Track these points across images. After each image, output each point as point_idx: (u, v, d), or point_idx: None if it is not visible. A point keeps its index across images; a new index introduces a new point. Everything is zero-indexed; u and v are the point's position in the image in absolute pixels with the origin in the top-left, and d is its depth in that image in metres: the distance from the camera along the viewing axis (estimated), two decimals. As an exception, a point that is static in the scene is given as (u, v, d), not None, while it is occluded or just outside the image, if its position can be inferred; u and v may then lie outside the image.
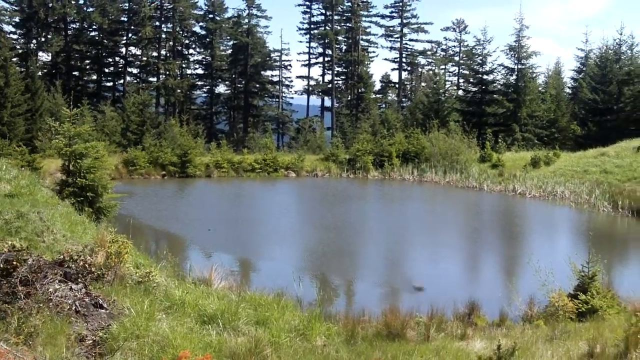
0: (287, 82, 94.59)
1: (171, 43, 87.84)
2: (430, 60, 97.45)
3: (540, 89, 79.42)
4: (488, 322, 15.66)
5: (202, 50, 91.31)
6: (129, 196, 34.81)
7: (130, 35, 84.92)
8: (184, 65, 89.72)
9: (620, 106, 66.27)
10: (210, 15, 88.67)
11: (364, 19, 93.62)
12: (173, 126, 59.15)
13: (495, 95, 75.78)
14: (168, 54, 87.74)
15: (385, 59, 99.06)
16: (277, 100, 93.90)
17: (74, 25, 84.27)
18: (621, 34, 71.13)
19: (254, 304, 12.46)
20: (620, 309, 16.31)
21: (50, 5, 78.30)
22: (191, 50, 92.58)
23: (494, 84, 77.47)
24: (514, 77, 74.03)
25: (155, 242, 26.86)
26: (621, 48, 71.12)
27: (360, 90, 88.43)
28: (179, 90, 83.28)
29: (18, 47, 78.06)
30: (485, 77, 77.50)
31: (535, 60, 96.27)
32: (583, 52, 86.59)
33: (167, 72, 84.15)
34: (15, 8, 78.85)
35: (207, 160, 52.79)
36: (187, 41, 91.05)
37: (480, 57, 78.44)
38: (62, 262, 10.69)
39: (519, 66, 73.76)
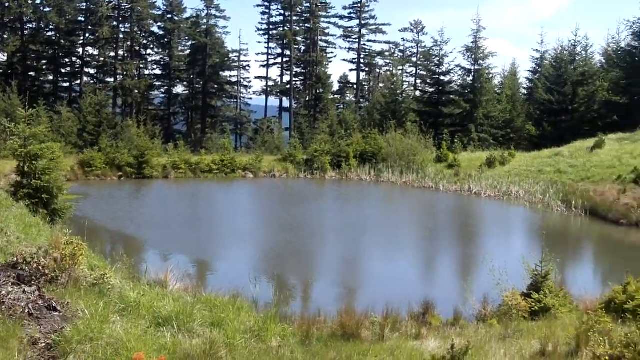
0: (245, 83, 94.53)
1: (129, 43, 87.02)
2: (388, 61, 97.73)
3: (496, 89, 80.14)
4: (442, 322, 15.67)
5: (160, 50, 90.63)
6: (85, 198, 34.55)
7: (87, 35, 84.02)
8: (141, 66, 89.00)
9: (575, 107, 67.07)
10: (169, 16, 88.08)
11: (322, 19, 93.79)
12: (130, 127, 58.68)
13: (452, 96, 76.34)
14: (126, 54, 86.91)
15: (344, 60, 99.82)
16: (235, 100, 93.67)
17: (31, 25, 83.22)
18: (576, 36, 71.94)
19: (209, 306, 12.46)
20: (573, 308, 16.48)
21: (7, 4, 77.23)
22: (149, 51, 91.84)
23: (451, 85, 78.01)
24: (471, 77, 74.58)
25: (111, 243, 26.72)
26: (576, 49, 71.83)
27: (318, 91, 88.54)
28: (136, 91, 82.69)
29: (-27, 47, 77.24)
30: (442, 77, 77.96)
31: (491, 61, 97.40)
32: (538, 53, 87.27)
33: (125, 73, 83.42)
34: (-30, 8, 77.87)
35: (164, 161, 52.52)
36: (145, 41, 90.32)
37: (438, 58, 78.78)
38: (16, 265, 10.65)
39: (476, 67, 74.30)
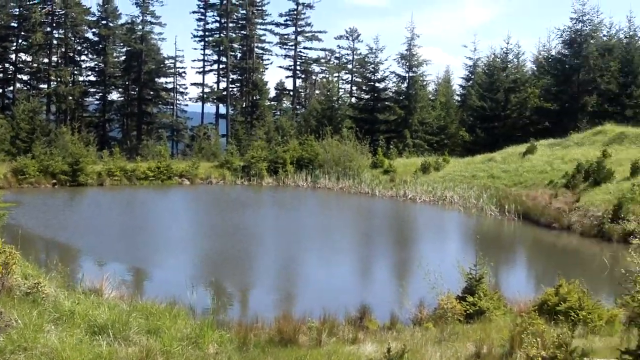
0: (181, 89, 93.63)
1: (63, 49, 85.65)
2: (324, 68, 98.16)
3: (430, 96, 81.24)
4: (379, 326, 15.74)
5: (94, 56, 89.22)
6: (18, 206, 33.89)
7: (20, 41, 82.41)
8: (75, 72, 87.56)
9: (507, 113, 68.22)
10: (103, 22, 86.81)
11: (258, 26, 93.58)
12: (64, 134, 57.87)
13: (387, 103, 77.17)
14: (59, 61, 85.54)
15: (280, 67, 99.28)
16: (171, 107, 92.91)
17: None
18: (508, 43, 73.14)
19: (145, 313, 12.41)
20: (507, 310, 16.72)
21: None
22: (83, 57, 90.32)
23: (386, 92, 78.81)
24: (405, 84, 75.52)
25: (45, 252, 26.33)
26: (508, 57, 73.05)
27: (255, 98, 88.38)
28: (70, 98, 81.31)
29: None
30: (377, 84, 78.66)
31: (425, 68, 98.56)
32: (471, 61, 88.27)
33: (59, 79, 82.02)
34: None
35: (100, 168, 51.92)
36: (79, 47, 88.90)
37: (373, 65, 79.40)
38: (-53, 275, 10.47)
39: (410, 74, 75.31)
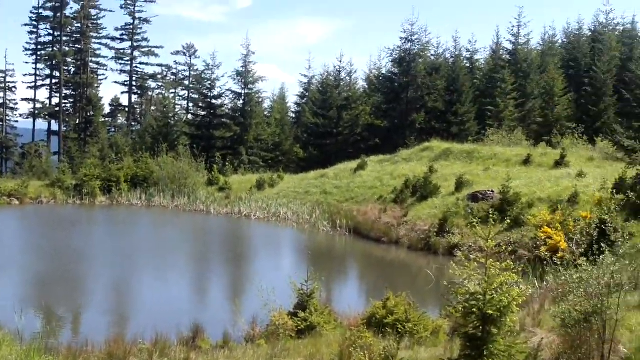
0: (11, 105, 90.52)
1: None
2: (160, 84, 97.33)
3: (266, 113, 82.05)
4: (212, 345, 15.90)
5: None
6: None
7: None
8: None
9: (340, 130, 69.91)
10: None
11: (94, 40, 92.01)
12: None
13: (223, 119, 77.19)
14: None
15: (116, 82, 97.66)
16: (0, 124, 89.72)
17: None
18: (340, 62, 75.18)
19: (-34, 341, 12.17)
20: (337, 324, 17.20)
21: None
22: None
23: (222, 108, 78.83)
24: (241, 101, 76.00)
25: None
26: (340, 75, 74.99)
27: (89, 114, 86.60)
28: None
29: None
30: (214, 101, 78.57)
31: (261, 85, 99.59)
32: (306, 78, 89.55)
33: None
34: None
35: None
36: None
37: (209, 82, 79.31)
38: None
39: (246, 91, 75.91)
